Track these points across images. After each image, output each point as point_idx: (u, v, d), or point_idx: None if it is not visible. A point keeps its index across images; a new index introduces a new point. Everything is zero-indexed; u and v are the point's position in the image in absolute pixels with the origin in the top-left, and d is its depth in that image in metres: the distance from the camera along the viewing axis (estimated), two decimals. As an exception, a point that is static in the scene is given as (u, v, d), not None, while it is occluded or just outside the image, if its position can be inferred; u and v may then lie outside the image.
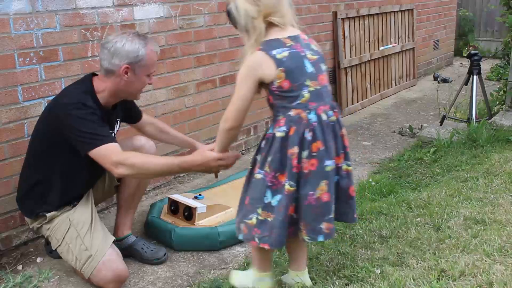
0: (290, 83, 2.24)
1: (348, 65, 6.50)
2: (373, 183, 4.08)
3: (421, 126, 5.87)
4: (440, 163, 4.50)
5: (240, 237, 2.47)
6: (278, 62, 2.22)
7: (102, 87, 2.85)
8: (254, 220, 2.37)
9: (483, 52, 10.18)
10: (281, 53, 2.23)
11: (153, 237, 3.45)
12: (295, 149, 2.26)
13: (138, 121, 3.33)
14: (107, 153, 2.68)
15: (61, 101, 2.83)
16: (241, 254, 3.25)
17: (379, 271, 2.55)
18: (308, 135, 2.26)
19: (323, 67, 2.37)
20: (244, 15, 2.23)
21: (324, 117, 2.29)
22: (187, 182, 4.46)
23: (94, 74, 2.94)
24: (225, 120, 2.33)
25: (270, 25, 2.27)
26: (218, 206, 3.55)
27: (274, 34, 2.28)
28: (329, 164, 2.29)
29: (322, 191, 2.29)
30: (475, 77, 5.36)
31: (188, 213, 3.42)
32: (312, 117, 2.27)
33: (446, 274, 2.45)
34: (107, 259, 2.82)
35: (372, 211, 3.43)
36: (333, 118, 2.34)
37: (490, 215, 3.06)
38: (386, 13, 7.27)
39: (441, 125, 5.54)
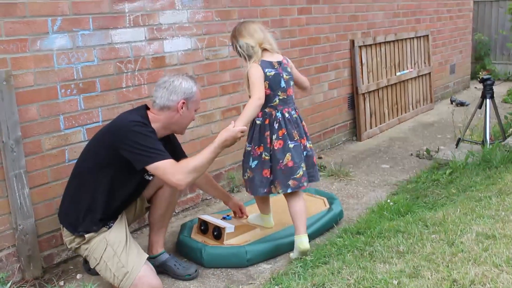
0: (270, 91, 3.39)
1: (366, 91, 6.70)
2: (391, 203, 4.24)
3: (438, 148, 6.02)
4: (455, 184, 4.65)
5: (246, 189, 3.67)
6: (266, 77, 3.36)
7: (155, 119, 3.15)
8: (246, 178, 3.57)
9: (498, 75, 10.31)
10: (270, 72, 3.38)
11: (184, 255, 3.66)
12: (268, 133, 3.43)
13: None
14: (168, 168, 2.96)
15: (122, 120, 3.12)
16: (267, 270, 3.45)
17: (397, 282, 2.72)
18: (276, 125, 3.42)
19: (291, 82, 3.52)
20: (246, 46, 3.37)
21: (287, 115, 3.45)
22: (214, 204, 4.68)
23: (147, 107, 3.23)
24: (258, 98, 3.24)
25: (264, 50, 3.39)
26: (245, 226, 3.77)
27: (268, 57, 3.41)
28: (291, 143, 3.44)
29: (288, 160, 3.43)
30: (488, 100, 5.53)
31: (217, 233, 3.64)
32: (279, 114, 3.44)
33: (457, 283, 2.62)
34: (143, 274, 3.04)
35: (390, 230, 3.59)
36: (295, 115, 3.51)
37: (500, 231, 3.22)
38: (402, 40, 7.48)
39: (456, 147, 5.70)
